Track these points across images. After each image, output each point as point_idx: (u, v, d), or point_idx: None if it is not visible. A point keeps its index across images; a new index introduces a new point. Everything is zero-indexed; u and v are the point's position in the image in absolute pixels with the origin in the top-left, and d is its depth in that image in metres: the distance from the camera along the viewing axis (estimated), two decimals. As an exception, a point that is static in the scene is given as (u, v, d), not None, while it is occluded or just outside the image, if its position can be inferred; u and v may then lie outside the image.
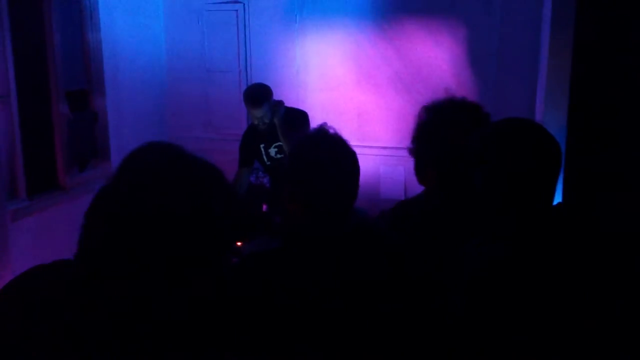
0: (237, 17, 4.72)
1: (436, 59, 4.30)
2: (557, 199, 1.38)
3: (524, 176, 1.30)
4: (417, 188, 1.82)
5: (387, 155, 4.45)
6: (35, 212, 3.46)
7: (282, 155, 3.74)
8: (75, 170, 3.98)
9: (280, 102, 3.63)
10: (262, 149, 3.81)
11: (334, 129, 1.46)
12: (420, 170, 1.74)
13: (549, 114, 3.11)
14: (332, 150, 1.40)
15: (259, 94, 3.52)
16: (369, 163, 4.25)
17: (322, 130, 1.45)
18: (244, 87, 4.79)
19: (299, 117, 3.66)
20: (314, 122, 3.83)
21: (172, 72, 4.97)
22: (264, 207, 3.80)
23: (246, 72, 4.78)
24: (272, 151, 3.81)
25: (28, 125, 3.54)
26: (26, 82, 3.55)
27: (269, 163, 3.83)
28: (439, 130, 1.67)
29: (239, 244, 2.67)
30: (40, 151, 3.72)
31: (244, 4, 4.70)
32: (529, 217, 1.31)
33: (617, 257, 1.32)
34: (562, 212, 1.35)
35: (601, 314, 1.25)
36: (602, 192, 2.98)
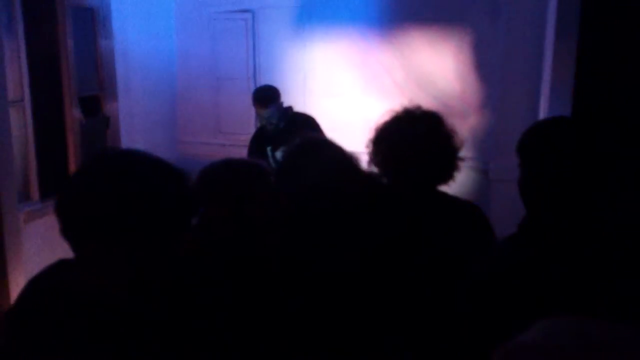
0: (246, 25, 4.79)
1: (442, 67, 4.34)
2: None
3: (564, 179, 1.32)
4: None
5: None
6: (47, 214, 3.53)
7: None
8: (87, 174, 4.05)
9: (290, 108, 3.72)
10: (269, 152, 3.88)
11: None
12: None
13: (553, 121, 3.12)
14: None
15: (267, 95, 3.62)
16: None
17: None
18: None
19: (309, 120, 3.74)
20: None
21: (182, 79, 5.05)
22: None
23: (254, 79, 4.84)
24: (279, 154, 3.86)
25: (41, 129, 3.61)
26: (40, 87, 3.63)
27: (275, 166, 3.88)
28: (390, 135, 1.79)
29: None
30: (53, 154, 3.79)
31: (253, 13, 4.77)
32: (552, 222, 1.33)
33: (625, 258, 1.32)
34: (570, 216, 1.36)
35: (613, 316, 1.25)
36: (606, 197, 2.98)
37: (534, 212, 1.37)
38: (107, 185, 0.96)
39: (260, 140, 3.86)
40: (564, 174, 1.32)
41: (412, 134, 1.72)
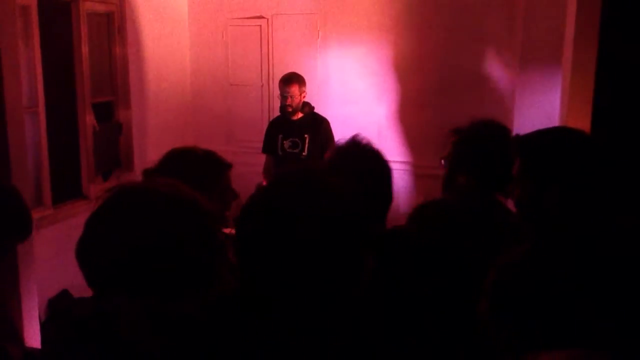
0: (260, 32, 4.78)
1: (458, 75, 4.30)
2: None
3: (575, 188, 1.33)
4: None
5: (407, 170, 4.44)
6: (59, 220, 3.52)
7: (297, 150, 3.98)
8: (99, 180, 4.05)
9: (310, 105, 4.02)
10: (280, 139, 4.02)
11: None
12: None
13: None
14: None
15: (292, 75, 3.97)
16: (389, 177, 4.24)
17: None
18: (266, 101, 4.85)
19: (324, 123, 4.01)
20: (335, 136, 3.88)
21: (196, 85, 5.05)
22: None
23: (268, 86, 4.83)
24: (287, 144, 4.02)
25: (55, 134, 3.62)
26: (55, 93, 3.63)
27: (280, 153, 3.98)
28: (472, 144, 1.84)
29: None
30: (66, 160, 3.80)
31: (268, 19, 4.76)
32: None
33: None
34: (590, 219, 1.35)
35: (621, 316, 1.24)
36: (626, 204, 2.92)
37: (541, 230, 1.37)
38: (124, 234, 0.93)
39: (273, 128, 4.13)
40: (580, 191, 1.33)
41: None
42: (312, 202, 0.93)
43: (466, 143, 1.84)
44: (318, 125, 3.97)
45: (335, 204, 0.96)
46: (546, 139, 1.44)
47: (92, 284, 0.97)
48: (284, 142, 4.03)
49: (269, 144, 4.13)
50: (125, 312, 0.92)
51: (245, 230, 0.96)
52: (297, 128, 3.98)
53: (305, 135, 3.95)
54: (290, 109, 3.93)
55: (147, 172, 1.65)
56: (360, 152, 1.56)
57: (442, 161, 1.89)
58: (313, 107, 4.05)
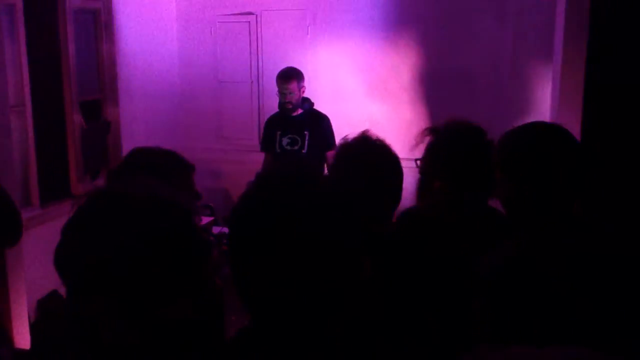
0: (249, 28, 4.75)
1: (448, 70, 4.30)
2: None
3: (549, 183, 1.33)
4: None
5: (399, 166, 4.43)
6: (48, 220, 3.48)
7: (295, 148, 3.87)
8: (88, 179, 4.01)
9: (310, 101, 3.94)
10: (278, 136, 3.92)
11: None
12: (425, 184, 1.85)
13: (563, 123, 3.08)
14: None
15: (290, 71, 3.86)
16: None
17: None
18: (255, 98, 4.82)
19: (324, 120, 3.90)
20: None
21: (184, 83, 5.01)
22: None
23: (258, 82, 4.80)
24: (285, 140, 3.92)
25: (42, 134, 3.57)
26: (41, 92, 3.59)
27: (278, 151, 3.91)
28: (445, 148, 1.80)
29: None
30: (54, 160, 3.76)
31: (256, 15, 4.73)
32: (547, 218, 1.33)
33: (627, 256, 1.32)
34: (578, 214, 1.36)
35: (613, 310, 1.25)
36: (617, 200, 2.94)
37: (524, 224, 1.38)
38: (102, 243, 0.89)
39: (271, 125, 4.01)
40: (562, 185, 1.34)
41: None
42: (309, 200, 0.92)
43: (440, 147, 1.82)
44: (318, 122, 3.86)
45: (331, 201, 0.95)
46: (522, 136, 1.45)
47: (73, 291, 0.94)
48: (282, 139, 3.92)
49: (267, 142, 4.01)
50: (108, 316, 0.90)
51: (240, 229, 0.95)
52: (297, 124, 3.87)
53: (305, 132, 3.84)
54: (290, 106, 3.83)
55: (111, 173, 1.63)
56: (369, 148, 1.54)
57: (416, 163, 1.88)
58: (313, 103, 3.95)
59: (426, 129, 1.86)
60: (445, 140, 1.79)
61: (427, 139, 1.85)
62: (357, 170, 1.48)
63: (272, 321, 0.92)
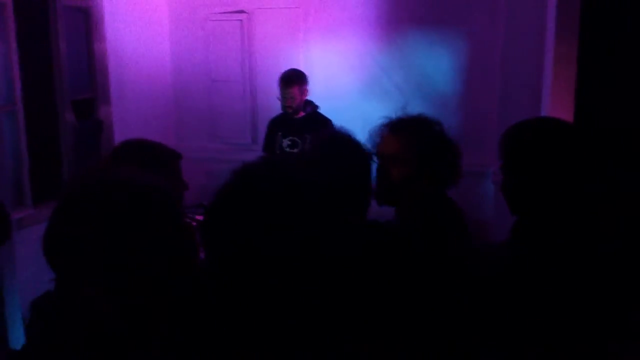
0: (241, 26, 4.74)
1: (441, 68, 4.31)
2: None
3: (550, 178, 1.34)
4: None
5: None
6: (41, 220, 3.46)
7: (295, 150, 3.86)
8: (81, 179, 3.99)
9: (313, 104, 3.90)
10: (279, 138, 3.93)
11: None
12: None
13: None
14: None
15: (292, 75, 3.80)
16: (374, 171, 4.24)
17: None
18: (248, 97, 4.81)
19: (326, 123, 3.82)
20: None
21: (177, 82, 4.99)
22: None
23: (250, 81, 4.79)
24: (285, 142, 3.91)
25: (34, 133, 3.55)
26: (33, 91, 3.57)
27: (278, 152, 3.90)
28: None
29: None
30: (46, 159, 3.74)
31: (249, 14, 4.72)
32: (543, 218, 1.33)
33: (620, 258, 1.33)
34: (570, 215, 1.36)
35: (609, 313, 1.25)
36: (607, 200, 2.96)
37: (525, 216, 1.38)
38: (92, 227, 0.91)
39: (273, 126, 3.99)
40: (560, 178, 1.33)
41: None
42: (290, 189, 0.95)
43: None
44: (321, 125, 3.77)
45: (309, 190, 0.98)
46: (525, 130, 1.45)
47: (64, 279, 0.95)
48: (283, 140, 3.89)
49: (268, 143, 3.99)
50: (97, 301, 0.92)
51: (221, 217, 0.98)
52: (298, 127, 3.83)
53: (306, 135, 3.76)
54: (290, 110, 3.80)
55: (99, 164, 1.65)
56: (339, 143, 1.57)
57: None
58: (317, 107, 3.91)
59: (382, 124, 1.91)
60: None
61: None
62: (325, 165, 1.51)
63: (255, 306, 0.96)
